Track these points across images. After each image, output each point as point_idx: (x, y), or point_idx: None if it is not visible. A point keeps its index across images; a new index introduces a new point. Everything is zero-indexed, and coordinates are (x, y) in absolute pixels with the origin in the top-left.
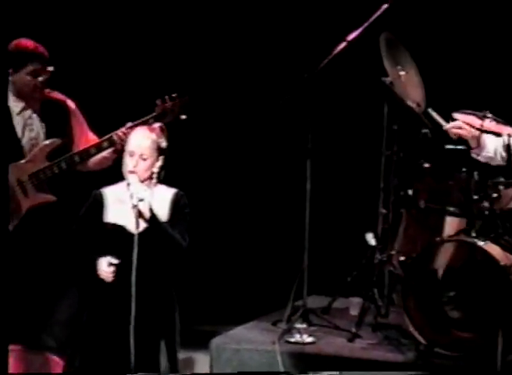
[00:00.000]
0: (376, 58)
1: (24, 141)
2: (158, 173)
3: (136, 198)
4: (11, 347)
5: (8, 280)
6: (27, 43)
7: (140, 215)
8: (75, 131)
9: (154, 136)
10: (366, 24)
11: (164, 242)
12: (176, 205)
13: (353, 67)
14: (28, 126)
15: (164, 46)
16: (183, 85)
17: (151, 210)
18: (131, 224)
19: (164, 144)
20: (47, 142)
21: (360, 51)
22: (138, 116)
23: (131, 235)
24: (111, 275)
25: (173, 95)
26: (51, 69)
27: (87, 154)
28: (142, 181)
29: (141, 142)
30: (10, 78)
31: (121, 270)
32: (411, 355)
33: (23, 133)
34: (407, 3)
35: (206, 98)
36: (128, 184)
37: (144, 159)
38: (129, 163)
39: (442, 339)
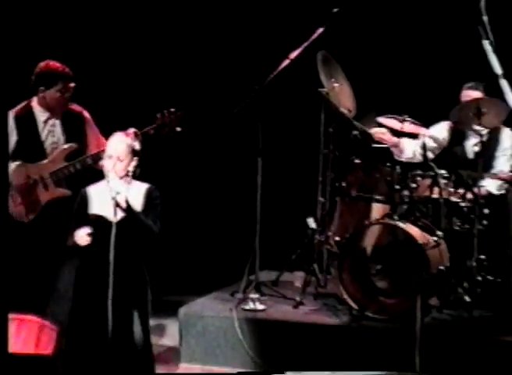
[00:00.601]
0: (314, 73)
1: (47, 145)
2: (134, 171)
3: (114, 191)
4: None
5: (24, 258)
6: (56, 64)
7: (117, 205)
8: (89, 137)
9: (129, 140)
10: (305, 44)
11: (138, 228)
12: (148, 197)
13: (295, 80)
14: (51, 132)
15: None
16: (173, 98)
17: (127, 201)
18: (110, 214)
19: (137, 146)
20: (65, 146)
21: (300, 66)
22: (141, 126)
23: (110, 223)
24: (87, 239)
25: (171, 110)
26: (73, 85)
27: (97, 157)
28: (120, 178)
29: (118, 146)
30: (41, 94)
31: (102, 252)
32: (346, 318)
33: (47, 138)
34: (339, 27)
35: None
36: (108, 181)
37: (121, 161)
38: (108, 164)
39: (372, 305)
